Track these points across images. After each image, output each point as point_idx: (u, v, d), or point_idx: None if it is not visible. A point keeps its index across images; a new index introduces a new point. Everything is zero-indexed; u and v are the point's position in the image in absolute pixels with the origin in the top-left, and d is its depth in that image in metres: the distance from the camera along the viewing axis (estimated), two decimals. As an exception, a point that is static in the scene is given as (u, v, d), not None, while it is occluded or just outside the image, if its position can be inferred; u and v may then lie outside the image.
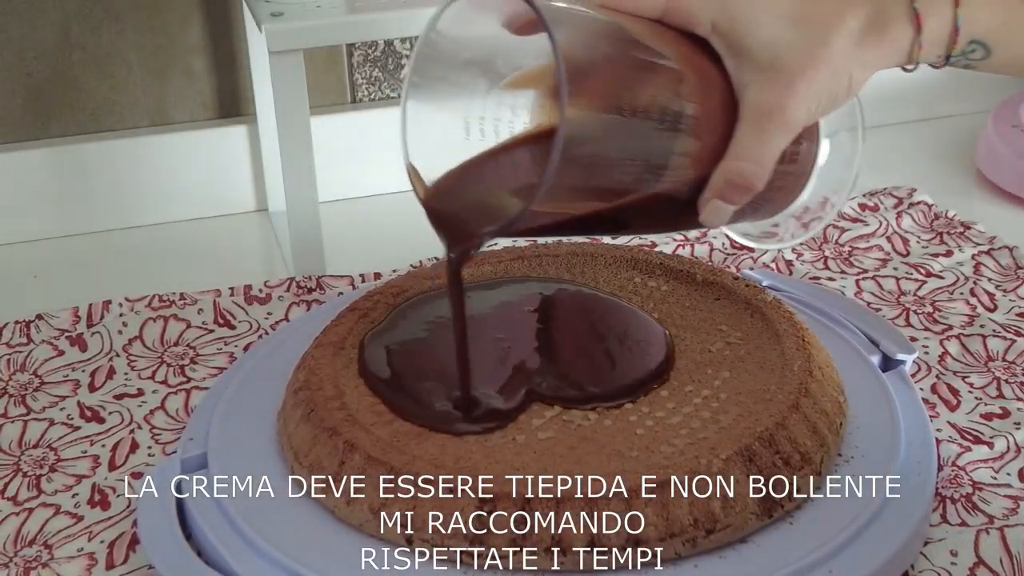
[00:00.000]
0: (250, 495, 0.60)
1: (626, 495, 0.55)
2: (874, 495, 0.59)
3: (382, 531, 0.57)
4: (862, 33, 0.54)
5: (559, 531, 0.54)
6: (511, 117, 0.59)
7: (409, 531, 0.56)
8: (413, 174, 0.58)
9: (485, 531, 0.55)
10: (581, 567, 0.55)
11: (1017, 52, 0.57)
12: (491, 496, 0.55)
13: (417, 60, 0.56)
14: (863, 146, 0.61)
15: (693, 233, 0.90)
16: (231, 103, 1.01)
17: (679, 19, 0.56)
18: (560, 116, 0.49)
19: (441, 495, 0.56)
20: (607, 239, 0.89)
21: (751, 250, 0.88)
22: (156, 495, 0.61)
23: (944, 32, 0.55)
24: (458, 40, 0.56)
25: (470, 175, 0.59)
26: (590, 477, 0.56)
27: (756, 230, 0.63)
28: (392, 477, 0.57)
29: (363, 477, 0.58)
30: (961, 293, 0.82)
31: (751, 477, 0.57)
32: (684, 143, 0.54)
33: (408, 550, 0.56)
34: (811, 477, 0.59)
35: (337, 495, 0.58)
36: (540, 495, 0.55)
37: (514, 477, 0.56)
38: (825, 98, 0.55)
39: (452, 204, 0.59)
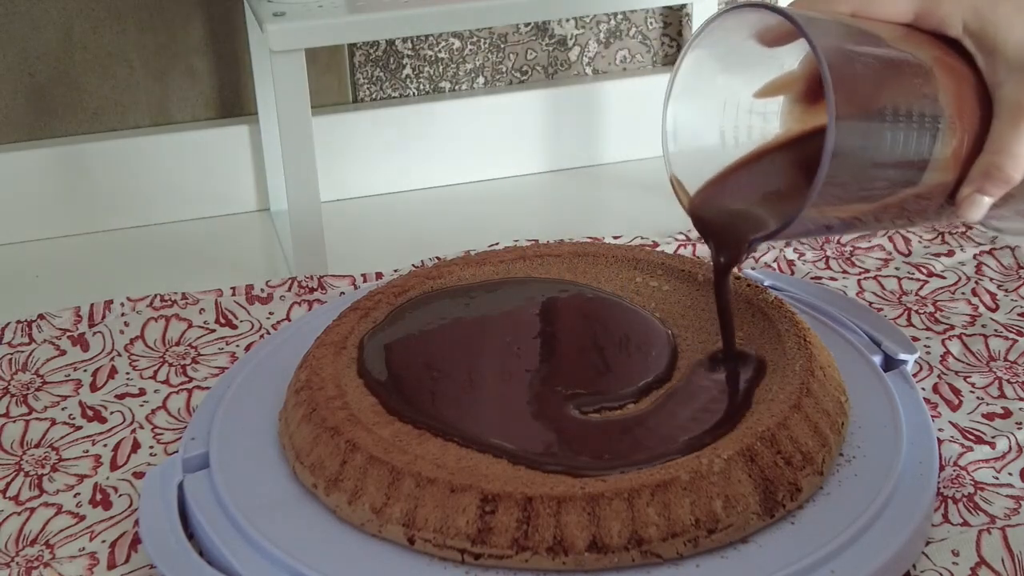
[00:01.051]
0: (252, 495, 0.60)
1: (627, 495, 0.55)
2: (876, 495, 0.59)
3: (384, 531, 0.57)
4: None
5: (560, 531, 0.54)
6: (763, 124, 0.62)
7: (411, 531, 0.56)
8: (677, 185, 0.62)
9: (487, 531, 0.55)
10: (582, 567, 0.55)
11: None
12: (493, 496, 0.55)
13: (682, 74, 0.60)
14: None
15: (695, 233, 0.90)
16: (233, 103, 1.01)
17: (930, 23, 0.58)
18: (829, 122, 0.52)
19: (443, 495, 0.56)
20: (609, 238, 0.89)
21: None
22: (158, 495, 0.61)
23: None
24: (713, 55, 0.60)
25: (734, 183, 0.62)
26: (592, 477, 0.56)
27: (1010, 220, 0.64)
28: (394, 477, 0.57)
29: (365, 477, 0.58)
30: (963, 293, 0.82)
31: (753, 477, 0.57)
32: (942, 142, 0.57)
33: (410, 550, 0.56)
34: (813, 477, 0.59)
35: (339, 495, 0.58)
36: (542, 495, 0.55)
37: (516, 477, 0.56)
38: None
39: (718, 212, 0.62)
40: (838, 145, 0.53)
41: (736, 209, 0.62)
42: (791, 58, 0.60)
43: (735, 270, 0.65)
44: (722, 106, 0.62)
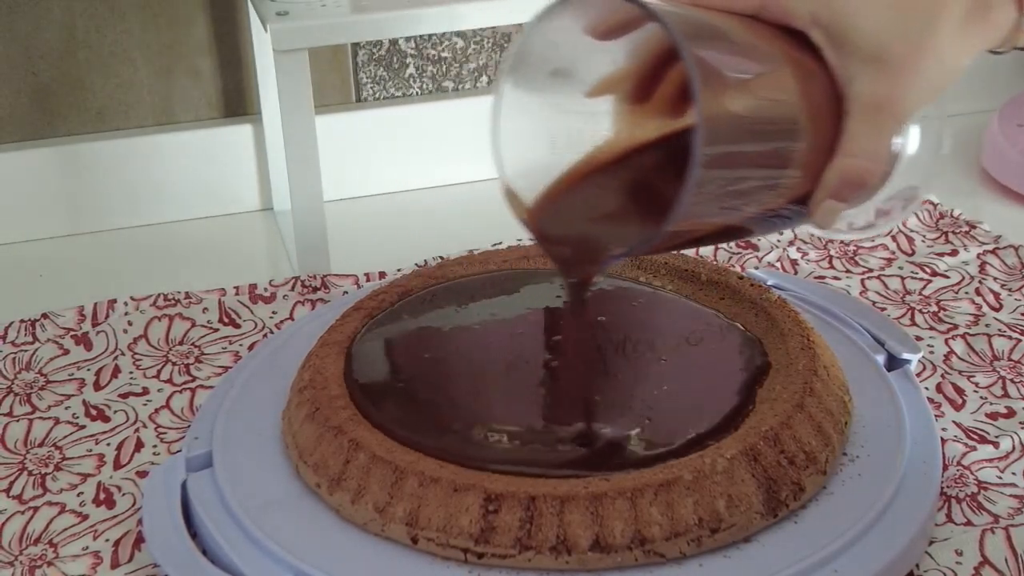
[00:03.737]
0: (255, 494, 0.60)
1: (631, 494, 0.55)
2: (879, 495, 0.59)
3: (387, 530, 0.57)
4: (965, 18, 0.53)
5: (564, 531, 0.54)
6: (593, 126, 0.58)
7: (414, 530, 0.56)
8: (511, 196, 0.57)
9: (490, 531, 0.55)
10: (585, 567, 0.55)
11: None
12: (496, 496, 0.55)
13: (509, 72, 0.55)
14: (948, 129, 0.59)
15: (698, 232, 0.90)
16: (236, 102, 1.01)
17: (776, 13, 0.54)
18: (697, 122, 0.47)
19: (446, 494, 0.56)
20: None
21: (755, 248, 0.88)
22: (161, 494, 0.61)
23: None
24: (544, 50, 0.55)
25: (576, 196, 0.57)
26: (595, 476, 0.56)
27: (848, 222, 0.60)
28: (397, 476, 0.57)
29: (368, 476, 0.58)
30: (966, 292, 0.82)
31: (756, 476, 0.57)
32: (794, 143, 0.52)
33: (413, 549, 0.56)
34: (816, 476, 0.59)
35: (342, 494, 0.58)
36: (545, 494, 0.55)
37: (519, 476, 0.56)
38: (932, 86, 0.53)
39: (564, 226, 0.57)
40: (706, 149, 0.47)
41: (584, 225, 0.57)
42: (622, 53, 0.54)
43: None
44: (552, 105, 0.57)
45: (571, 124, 0.57)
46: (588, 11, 0.53)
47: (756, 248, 0.88)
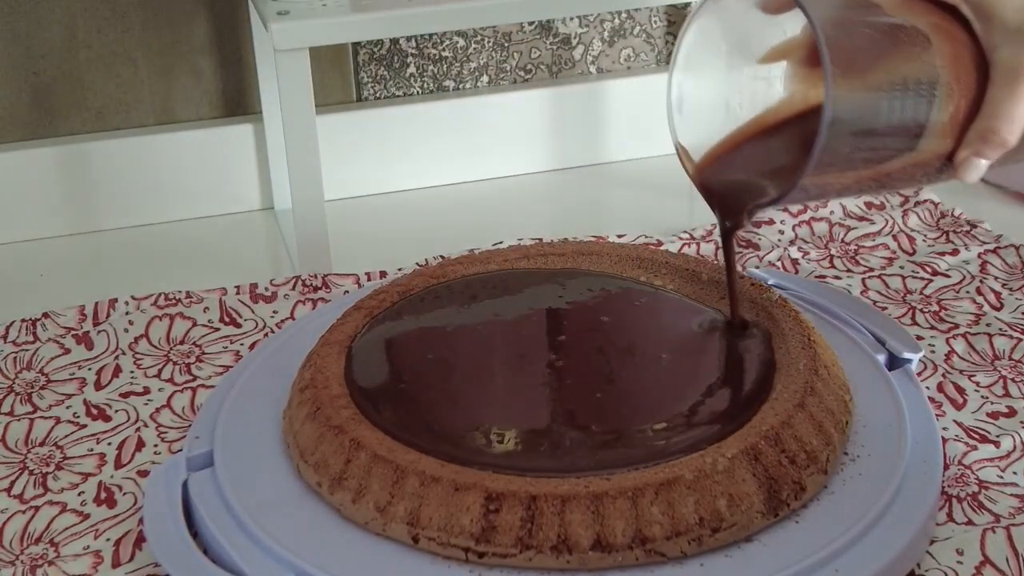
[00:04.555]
0: (256, 493, 0.60)
1: (632, 494, 0.55)
2: (880, 494, 0.59)
3: (387, 529, 0.57)
4: None
5: (564, 530, 0.54)
6: (766, 89, 0.63)
7: (415, 530, 0.56)
8: (682, 152, 0.63)
9: (491, 530, 0.55)
10: (586, 566, 0.55)
11: None
12: (497, 495, 0.55)
13: (686, 45, 0.61)
14: None
15: (699, 232, 0.90)
16: (237, 102, 1.01)
17: None
18: (826, 92, 0.53)
19: (447, 494, 0.56)
20: (613, 237, 0.89)
21: (756, 248, 0.88)
22: (162, 493, 0.61)
23: None
24: (717, 23, 0.61)
25: (738, 152, 0.63)
26: (596, 476, 0.56)
27: (1005, 173, 0.68)
28: (398, 475, 0.57)
29: (369, 475, 0.58)
30: (967, 292, 0.82)
31: (757, 476, 0.57)
32: (939, 107, 0.58)
33: (413, 548, 0.56)
34: (817, 476, 0.59)
35: (343, 493, 0.58)
36: (546, 494, 0.55)
37: (520, 476, 0.56)
38: None
39: (722, 181, 0.63)
40: (835, 115, 0.54)
41: (739, 178, 0.63)
42: (793, 24, 0.60)
43: (739, 237, 0.67)
44: (726, 73, 0.63)
45: (744, 88, 0.63)
46: None
47: (757, 247, 0.88)
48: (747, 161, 0.63)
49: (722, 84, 0.63)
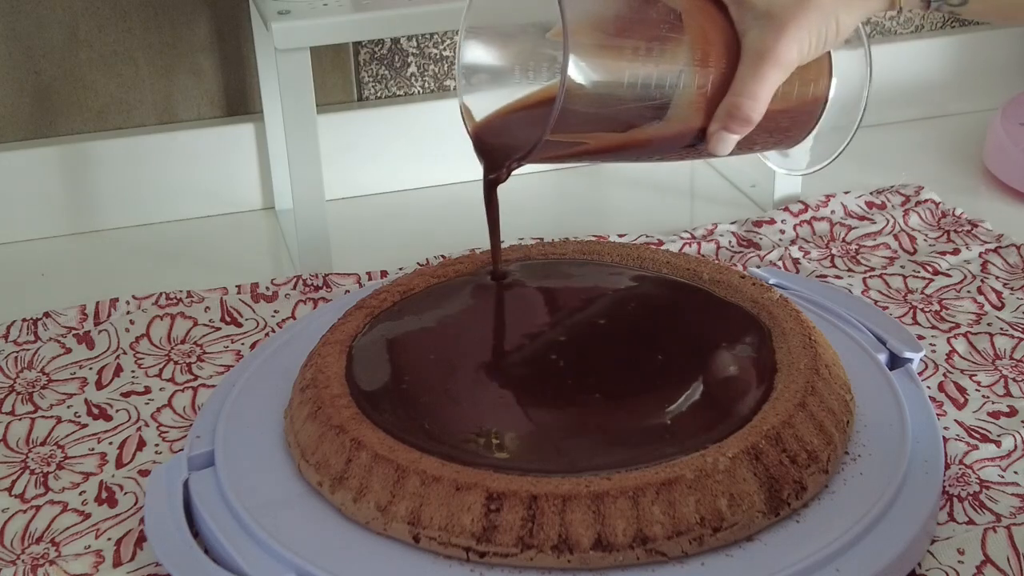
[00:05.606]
0: (257, 493, 0.60)
1: (633, 493, 0.55)
2: (881, 494, 0.59)
3: (389, 529, 0.57)
4: None
5: (565, 529, 0.54)
6: (551, 62, 0.66)
7: (416, 529, 0.56)
8: (465, 111, 0.67)
9: (492, 529, 0.55)
10: (587, 566, 0.55)
11: None
12: (498, 494, 0.55)
13: (474, 10, 0.65)
14: (871, 82, 0.68)
15: (700, 232, 0.90)
16: (238, 101, 1.01)
17: None
18: (564, 55, 0.57)
19: (448, 493, 0.56)
20: (614, 237, 0.89)
21: (757, 247, 0.88)
22: (163, 493, 0.61)
23: None
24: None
25: (513, 115, 0.67)
26: (597, 475, 0.56)
27: (782, 159, 0.71)
28: (399, 475, 0.57)
29: (370, 475, 0.58)
30: (968, 291, 0.82)
31: (758, 475, 0.57)
32: (686, 81, 0.61)
33: (414, 548, 0.56)
34: (818, 475, 0.59)
35: (344, 492, 0.58)
36: (547, 493, 0.55)
37: (521, 475, 0.56)
38: (815, 40, 0.62)
39: (492, 138, 0.67)
40: (573, 76, 0.57)
41: (506, 137, 0.66)
42: None
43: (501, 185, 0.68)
44: (518, 41, 0.67)
45: (534, 59, 0.67)
46: None
47: (758, 247, 0.88)
48: (516, 123, 0.67)
49: (511, 53, 0.67)
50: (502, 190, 0.68)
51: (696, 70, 0.61)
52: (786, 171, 0.73)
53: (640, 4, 0.62)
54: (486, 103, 0.67)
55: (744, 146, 0.64)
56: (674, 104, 0.61)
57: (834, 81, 0.67)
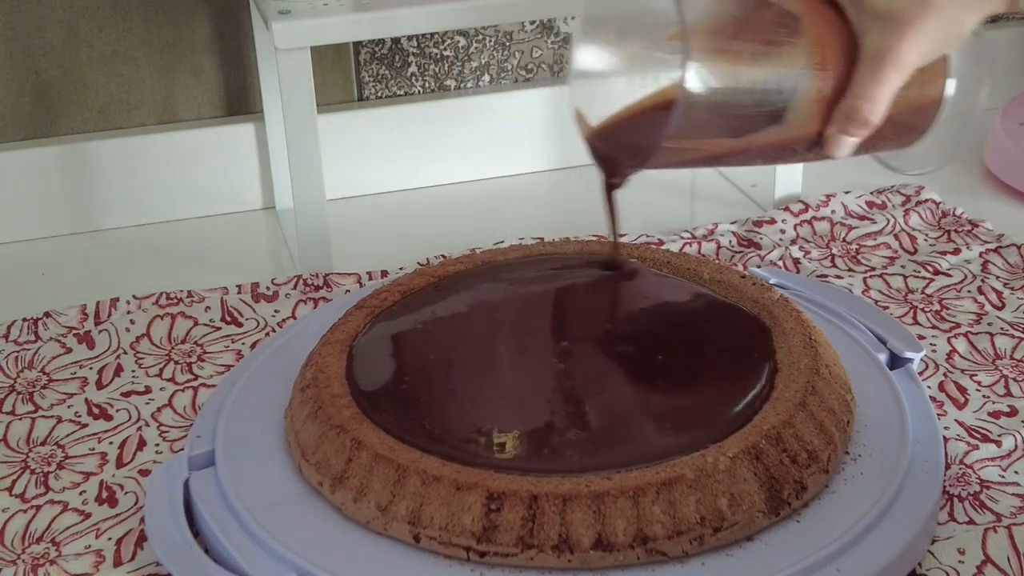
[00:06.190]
0: (257, 492, 0.60)
1: (633, 493, 0.55)
2: (881, 493, 0.59)
3: (389, 529, 0.57)
4: None
5: (566, 529, 0.54)
6: (667, 67, 0.65)
7: (416, 529, 0.56)
8: (578, 116, 0.67)
9: (492, 529, 0.55)
10: (588, 565, 0.55)
11: None
12: (498, 494, 0.55)
13: (588, 13, 0.65)
14: (987, 81, 0.67)
15: (700, 231, 0.90)
16: (238, 101, 1.01)
17: None
18: (682, 60, 0.56)
19: (448, 493, 0.56)
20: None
21: (758, 247, 0.88)
22: (164, 492, 0.61)
23: None
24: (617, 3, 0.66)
25: (628, 120, 0.67)
26: (597, 475, 0.56)
27: (900, 159, 0.69)
28: (399, 475, 0.57)
29: (370, 474, 0.58)
30: (969, 291, 0.82)
31: (758, 475, 0.57)
32: (806, 85, 0.60)
33: (415, 548, 0.56)
34: (818, 475, 0.59)
35: (344, 492, 0.58)
36: (547, 493, 0.55)
37: (521, 475, 0.56)
38: (935, 42, 0.60)
39: (609, 144, 0.67)
40: (693, 82, 0.57)
41: (623, 142, 0.66)
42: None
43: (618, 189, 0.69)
44: (628, 48, 0.67)
45: (647, 64, 0.66)
46: None
47: (759, 247, 0.88)
48: (631, 128, 0.66)
49: (623, 58, 0.67)
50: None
51: (814, 73, 0.60)
52: (901, 171, 0.71)
53: (756, 6, 0.61)
54: (598, 108, 0.67)
55: (859, 148, 0.63)
56: (792, 108, 0.60)
57: (951, 82, 0.65)
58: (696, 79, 0.57)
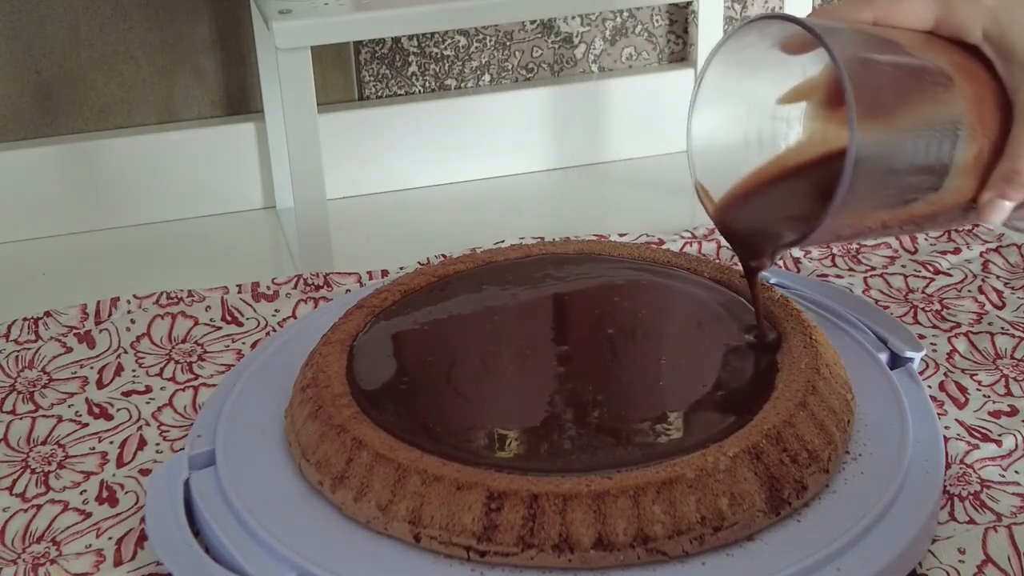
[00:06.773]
0: (258, 492, 0.60)
1: (633, 493, 0.55)
2: (882, 493, 0.59)
3: (389, 528, 0.57)
4: None
5: (566, 529, 0.54)
6: (786, 129, 0.63)
7: (416, 528, 0.56)
8: (701, 191, 0.63)
9: (493, 529, 0.55)
10: (588, 565, 0.55)
11: None
12: (499, 494, 0.55)
13: (705, 85, 0.61)
14: None
15: (701, 231, 0.90)
16: (239, 100, 1.01)
17: (950, 30, 0.59)
18: (851, 134, 0.53)
19: (449, 492, 0.56)
20: (615, 236, 0.89)
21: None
22: (164, 492, 0.61)
23: None
24: (737, 62, 0.60)
25: (758, 193, 0.63)
26: (597, 475, 0.56)
27: None
28: (400, 474, 0.57)
29: (371, 474, 0.58)
30: (969, 291, 0.82)
31: (759, 475, 0.57)
32: (962, 148, 0.57)
33: (415, 547, 0.56)
34: (819, 475, 0.59)
35: (344, 492, 0.58)
36: (548, 492, 0.55)
37: (522, 474, 0.56)
38: None
39: (744, 222, 0.63)
40: (859, 155, 0.53)
41: (760, 219, 0.63)
42: (813, 65, 0.60)
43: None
44: (746, 112, 0.63)
45: (764, 129, 0.63)
46: (771, 31, 0.59)
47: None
48: (768, 203, 0.63)
49: (742, 122, 0.63)
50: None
51: (972, 135, 0.57)
52: None
53: (913, 68, 0.58)
54: (716, 177, 0.63)
55: (1014, 212, 0.59)
56: (951, 174, 0.57)
57: None
58: (863, 146, 0.54)
